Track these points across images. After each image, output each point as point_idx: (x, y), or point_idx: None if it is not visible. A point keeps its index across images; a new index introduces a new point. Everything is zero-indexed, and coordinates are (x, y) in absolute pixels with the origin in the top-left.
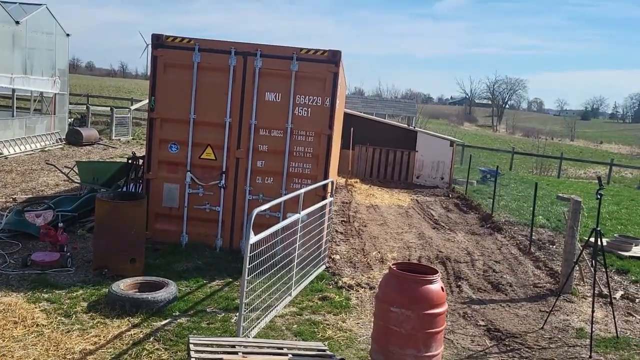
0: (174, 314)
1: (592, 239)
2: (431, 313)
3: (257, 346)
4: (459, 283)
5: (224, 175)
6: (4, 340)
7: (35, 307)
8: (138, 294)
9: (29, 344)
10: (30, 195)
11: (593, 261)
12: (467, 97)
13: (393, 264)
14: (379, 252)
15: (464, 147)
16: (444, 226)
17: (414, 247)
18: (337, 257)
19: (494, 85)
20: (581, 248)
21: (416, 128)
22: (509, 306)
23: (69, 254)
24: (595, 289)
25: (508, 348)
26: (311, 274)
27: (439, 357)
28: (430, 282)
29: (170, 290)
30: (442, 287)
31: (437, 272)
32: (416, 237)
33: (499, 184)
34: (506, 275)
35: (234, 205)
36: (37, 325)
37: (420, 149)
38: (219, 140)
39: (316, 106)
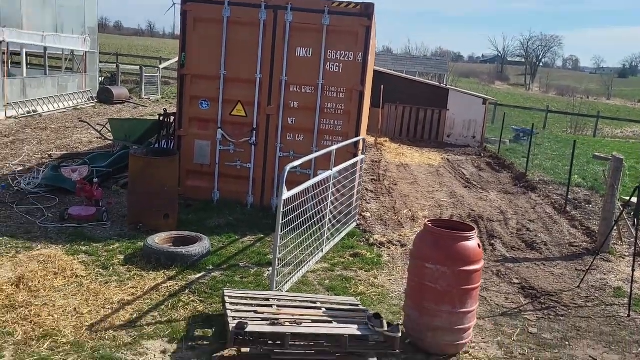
0: (207, 267)
1: (634, 199)
2: (467, 270)
3: (291, 300)
4: (492, 241)
5: (254, 132)
6: (45, 290)
7: (74, 259)
8: (173, 248)
9: (70, 294)
10: (65, 152)
11: (635, 220)
12: (500, 55)
13: (428, 221)
14: (409, 210)
15: (496, 106)
16: (476, 185)
17: (445, 205)
18: (368, 214)
19: (528, 43)
20: (621, 207)
21: (448, 86)
22: (544, 265)
23: (104, 208)
24: (633, 248)
25: (543, 306)
26: (342, 231)
27: (474, 314)
28: (467, 238)
29: (203, 244)
30: (478, 244)
31: (473, 229)
32: (447, 196)
33: (533, 142)
34: (541, 234)
35: (265, 162)
36: (77, 276)
37: (451, 107)
38: (249, 97)
39: (348, 61)
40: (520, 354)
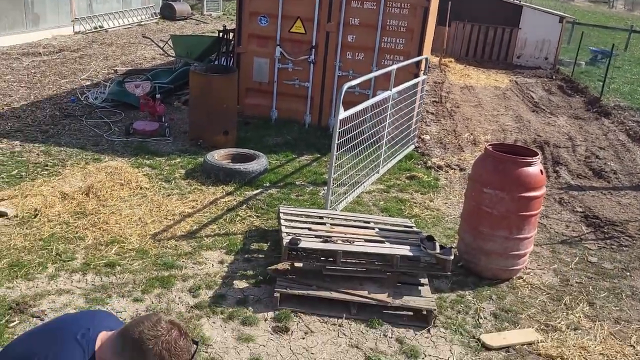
0: (264, 184)
1: None
2: (527, 196)
3: (344, 219)
4: (557, 168)
5: (313, 50)
6: (112, 200)
7: (139, 172)
8: (231, 164)
9: (134, 204)
10: (130, 68)
11: None
12: None
13: (489, 144)
14: (471, 134)
15: (574, 25)
16: (544, 109)
17: (509, 130)
18: (427, 137)
19: None
20: None
21: (521, 2)
22: (611, 194)
23: (166, 124)
24: None
25: (606, 235)
26: (400, 153)
27: (531, 240)
28: (529, 164)
29: (261, 162)
30: (541, 170)
31: (537, 154)
32: (513, 120)
33: (612, 65)
34: (610, 162)
35: (323, 81)
36: (141, 188)
37: (524, 26)
38: (308, 13)
39: None
40: (577, 282)
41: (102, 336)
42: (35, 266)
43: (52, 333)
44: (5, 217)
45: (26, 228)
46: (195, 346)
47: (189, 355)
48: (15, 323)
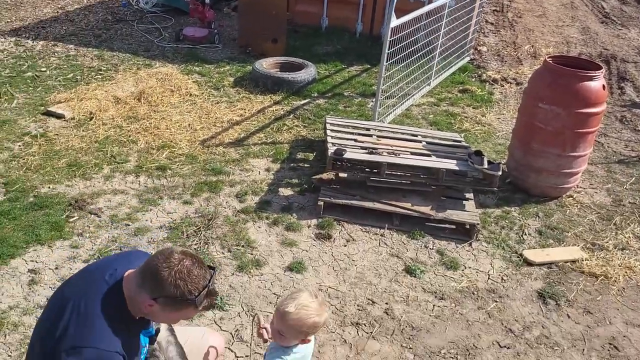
0: (312, 94)
1: None
2: (585, 112)
3: (392, 131)
4: (622, 84)
5: None
6: (163, 106)
7: (189, 79)
8: (279, 73)
9: (184, 110)
10: None
11: None
12: None
13: (548, 57)
14: (532, 46)
15: None
16: (615, 20)
17: (574, 42)
18: (484, 49)
19: None
20: None
21: None
22: None
23: (216, 30)
24: None
25: None
26: (453, 65)
27: (585, 159)
28: (590, 78)
29: (309, 71)
30: (603, 86)
31: (600, 67)
32: (579, 32)
33: None
34: None
35: None
36: (190, 95)
37: None
38: None
39: None
40: (630, 202)
41: (129, 272)
42: (92, 167)
43: (90, 274)
44: (63, 119)
45: (82, 130)
46: (212, 272)
47: (205, 282)
48: (74, 218)
